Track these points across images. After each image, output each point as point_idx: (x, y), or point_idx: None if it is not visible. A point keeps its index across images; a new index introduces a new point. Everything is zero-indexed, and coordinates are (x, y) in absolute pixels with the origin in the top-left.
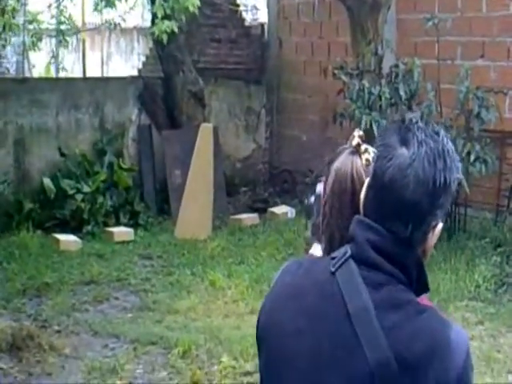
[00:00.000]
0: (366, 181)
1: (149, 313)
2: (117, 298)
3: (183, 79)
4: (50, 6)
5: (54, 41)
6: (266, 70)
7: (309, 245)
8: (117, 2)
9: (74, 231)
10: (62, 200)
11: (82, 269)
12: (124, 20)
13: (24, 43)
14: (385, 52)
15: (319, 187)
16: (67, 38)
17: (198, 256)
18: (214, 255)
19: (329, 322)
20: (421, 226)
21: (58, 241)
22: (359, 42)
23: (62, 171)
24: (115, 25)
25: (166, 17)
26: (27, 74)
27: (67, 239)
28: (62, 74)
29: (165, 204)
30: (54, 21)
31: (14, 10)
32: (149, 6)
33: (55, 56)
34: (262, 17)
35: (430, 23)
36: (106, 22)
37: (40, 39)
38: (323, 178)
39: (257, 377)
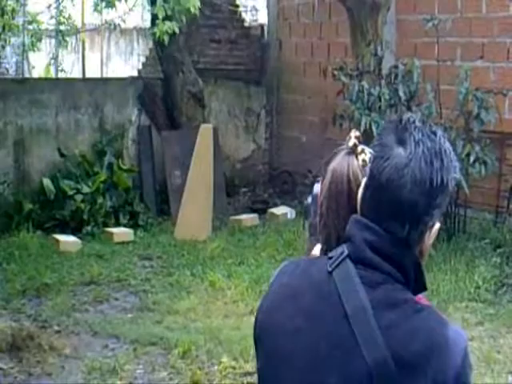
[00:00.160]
0: (363, 181)
1: (149, 313)
2: (117, 299)
3: (183, 80)
4: (49, 7)
5: (53, 41)
6: (265, 70)
7: (312, 245)
8: (116, 3)
9: (73, 232)
10: (61, 201)
11: (82, 269)
12: (124, 21)
13: (24, 44)
14: (384, 53)
15: (316, 188)
16: (67, 39)
17: (197, 257)
18: (213, 256)
19: (326, 322)
20: (418, 226)
21: (57, 241)
22: (359, 43)
23: (62, 172)
24: (115, 25)
25: (166, 18)
26: (27, 75)
27: (67, 240)
28: (61, 75)
29: (164, 205)
30: (53, 21)
31: (13, 10)
32: (148, 7)
33: (55, 57)
34: (262, 18)
35: (430, 24)
36: (106, 22)
37: (40, 40)
38: (320, 179)
39: (256, 377)
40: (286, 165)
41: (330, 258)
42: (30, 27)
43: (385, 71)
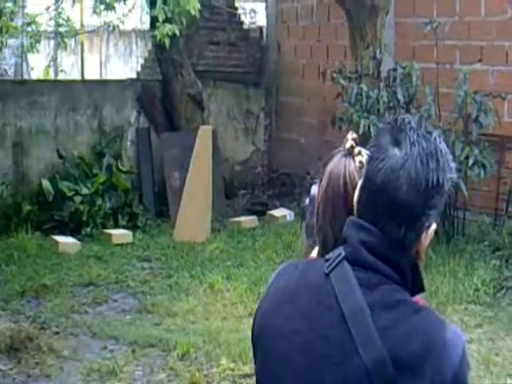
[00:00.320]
0: (359, 182)
1: (147, 315)
2: (115, 300)
3: (182, 82)
4: (48, 8)
5: (52, 43)
6: (264, 73)
7: (309, 248)
8: (115, 5)
9: (72, 233)
10: (60, 202)
11: (81, 271)
12: (122, 23)
13: (22, 45)
14: (383, 56)
15: (313, 189)
16: (66, 41)
17: (196, 258)
18: (212, 258)
19: (323, 324)
20: (414, 227)
21: (56, 243)
22: (358, 46)
23: (61, 173)
24: (114, 27)
25: (166, 20)
26: (26, 76)
27: (66, 241)
28: (60, 77)
29: (163, 206)
30: (52, 23)
31: (12, 12)
32: (147, 9)
33: (54, 59)
34: (261, 20)
35: (429, 27)
36: (105, 24)
37: (38, 41)
38: (318, 180)
39: (254, 379)
40: (284, 167)
41: (327, 259)
42: (29, 29)
43: (384, 74)
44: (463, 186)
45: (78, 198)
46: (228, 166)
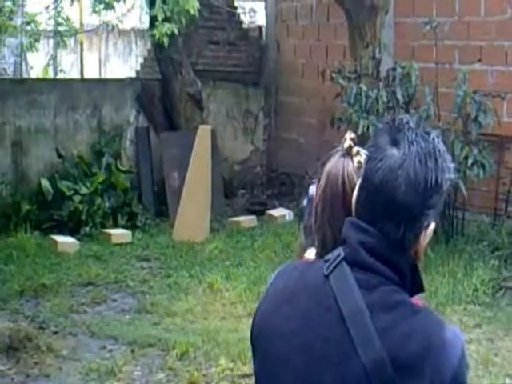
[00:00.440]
0: (358, 182)
1: (146, 315)
2: (114, 300)
3: (181, 81)
4: (47, 8)
5: (51, 42)
6: (263, 72)
7: (304, 249)
8: (115, 4)
9: (71, 233)
10: (59, 201)
11: (80, 270)
12: (121, 22)
13: (22, 44)
14: (382, 55)
15: (312, 189)
16: (65, 40)
17: (195, 258)
18: (211, 257)
19: (322, 325)
20: (413, 227)
21: (55, 242)
22: (357, 46)
23: (60, 172)
24: (113, 27)
25: (165, 19)
26: (25, 75)
27: (65, 241)
28: (60, 76)
29: (163, 206)
30: (51, 22)
31: (11, 11)
32: (146, 9)
33: (53, 58)
34: (260, 19)
35: (428, 27)
36: (104, 23)
37: (38, 40)
38: (316, 180)
39: (254, 379)
40: (284, 167)
41: (327, 261)
42: (28, 28)
43: (383, 74)
44: (462, 186)
45: (77, 198)
46: (227, 165)
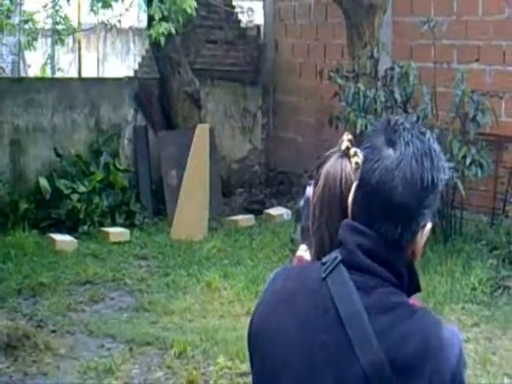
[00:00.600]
0: (354, 184)
1: (144, 313)
2: (112, 299)
3: (179, 80)
4: (45, 6)
5: (49, 41)
6: (261, 71)
7: (296, 247)
8: (113, 3)
9: (69, 231)
10: (57, 200)
11: (78, 269)
12: (120, 22)
13: (20, 43)
14: (381, 55)
15: (308, 191)
16: (63, 38)
17: (193, 257)
18: (209, 256)
19: (321, 327)
20: (410, 227)
21: (53, 241)
22: (355, 45)
23: (58, 171)
24: (111, 26)
25: (163, 18)
26: (23, 74)
27: (63, 239)
28: (58, 74)
29: (161, 205)
30: (49, 20)
31: (9, 10)
32: (145, 7)
33: (51, 57)
34: (258, 18)
35: (426, 26)
36: (102, 22)
37: (35, 39)
38: (312, 182)
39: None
40: (282, 165)
41: (324, 263)
42: (26, 26)
43: (381, 73)
44: (460, 186)
45: (75, 196)
46: (225, 164)
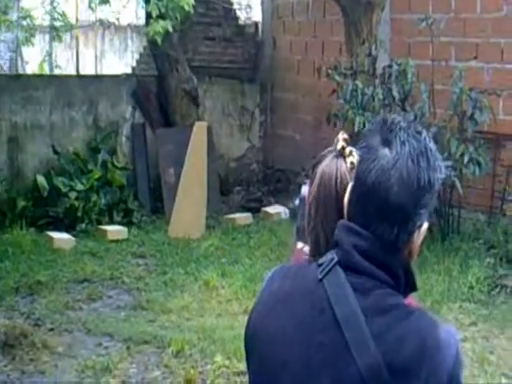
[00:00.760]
0: (350, 184)
1: (142, 312)
2: (110, 297)
3: (177, 77)
4: (43, 2)
5: (47, 37)
6: (259, 68)
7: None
8: (111, 0)
9: (67, 229)
10: (55, 198)
11: (76, 267)
12: (118, 20)
13: (17, 39)
14: (379, 52)
15: (304, 190)
16: (61, 35)
17: (191, 255)
18: (207, 254)
19: (317, 329)
20: (406, 227)
21: (51, 239)
22: (353, 42)
23: (56, 169)
24: (109, 22)
25: (160, 16)
26: (20, 71)
27: (61, 237)
28: (56, 71)
29: (158, 202)
30: (47, 17)
31: (7, 6)
32: (142, 4)
33: (49, 54)
34: (256, 15)
35: (424, 24)
36: (100, 20)
37: (33, 35)
38: (308, 181)
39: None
40: (280, 163)
41: (320, 264)
42: (24, 23)
43: (379, 71)
44: (458, 184)
45: (72, 194)
46: (223, 162)
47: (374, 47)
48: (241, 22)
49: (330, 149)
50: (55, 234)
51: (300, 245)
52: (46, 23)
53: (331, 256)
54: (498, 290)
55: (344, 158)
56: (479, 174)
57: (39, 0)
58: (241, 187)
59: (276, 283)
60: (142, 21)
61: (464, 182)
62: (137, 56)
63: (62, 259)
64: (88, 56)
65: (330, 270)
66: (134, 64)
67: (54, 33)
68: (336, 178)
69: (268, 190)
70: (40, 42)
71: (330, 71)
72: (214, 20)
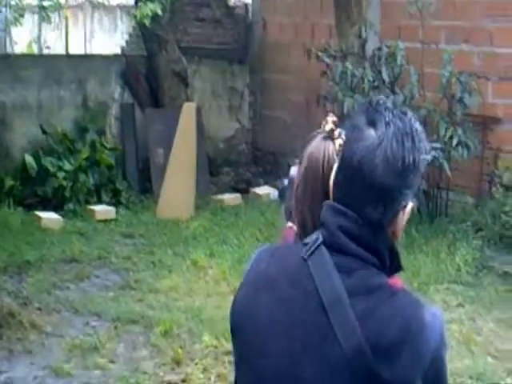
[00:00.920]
0: (335, 164)
1: (130, 291)
2: (98, 277)
3: (166, 58)
4: None
5: (36, 18)
6: (249, 50)
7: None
8: None
9: (55, 209)
10: (43, 177)
11: (64, 247)
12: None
13: (6, 19)
14: (368, 34)
15: (293, 171)
16: (50, 15)
17: (179, 235)
18: (195, 235)
19: (302, 310)
20: (391, 207)
21: (39, 218)
22: (343, 24)
23: (44, 149)
24: (98, 3)
25: None
26: (9, 51)
27: (49, 217)
28: (45, 52)
29: (147, 183)
30: None
31: None
32: None
33: (39, 36)
34: None
35: (414, 7)
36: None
37: (22, 15)
38: (298, 162)
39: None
40: (269, 145)
41: (305, 244)
42: (13, 2)
43: (369, 53)
44: (447, 166)
45: (61, 174)
46: (212, 143)
47: (364, 29)
48: (230, 3)
49: (318, 131)
50: (43, 214)
51: (289, 224)
52: (35, 3)
53: (316, 236)
54: (485, 271)
55: (333, 139)
56: (467, 156)
57: None
58: (230, 168)
59: (262, 263)
60: (132, 1)
61: (452, 165)
62: (126, 36)
63: (50, 239)
64: (77, 36)
65: (314, 250)
66: (124, 44)
67: (43, 13)
68: (323, 160)
69: (257, 171)
70: (29, 22)
71: (319, 53)
72: (203, 1)
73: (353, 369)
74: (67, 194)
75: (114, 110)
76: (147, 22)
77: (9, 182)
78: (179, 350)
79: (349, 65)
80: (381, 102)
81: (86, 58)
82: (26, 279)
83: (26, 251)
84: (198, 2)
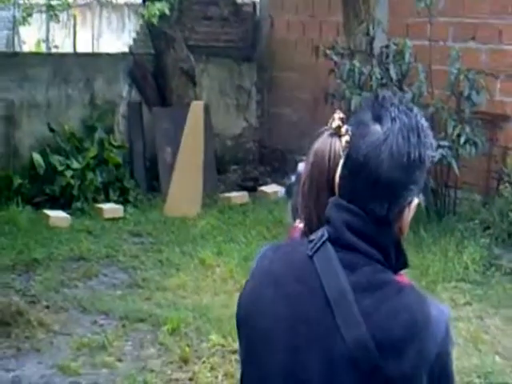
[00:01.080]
0: (341, 160)
1: (138, 290)
2: (106, 275)
3: (174, 56)
4: None
5: (44, 17)
6: (257, 48)
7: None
8: None
9: (63, 207)
10: (51, 176)
11: (72, 245)
12: None
13: (14, 18)
14: (376, 32)
15: (300, 167)
16: (58, 14)
17: (187, 234)
18: (203, 233)
19: (307, 307)
20: (397, 203)
21: (47, 217)
22: (351, 22)
23: (52, 147)
24: (106, 1)
25: None
26: (17, 49)
27: (57, 215)
28: (53, 51)
29: (155, 181)
30: None
31: None
32: None
33: (47, 35)
34: None
35: (422, 4)
36: None
37: (30, 14)
38: (305, 158)
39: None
40: (276, 143)
41: (311, 241)
42: (21, 1)
43: (376, 51)
44: (455, 164)
45: (68, 173)
46: (220, 141)
47: (371, 27)
48: (238, 1)
49: (325, 127)
50: (51, 212)
51: (296, 223)
52: (43, 1)
53: (321, 232)
54: (493, 270)
55: (339, 136)
56: (475, 154)
57: None
58: (237, 166)
59: (267, 260)
60: None
61: (460, 163)
62: (134, 35)
63: (58, 237)
64: (85, 35)
65: (320, 246)
66: (131, 43)
67: (51, 12)
68: (329, 156)
69: (264, 169)
70: (37, 21)
71: (327, 51)
72: None
73: (357, 364)
74: (75, 192)
75: (122, 108)
76: (155, 21)
77: (17, 181)
78: (186, 349)
79: (356, 62)
80: (387, 97)
81: (94, 56)
82: (34, 277)
83: (34, 249)
84: (205, 1)
